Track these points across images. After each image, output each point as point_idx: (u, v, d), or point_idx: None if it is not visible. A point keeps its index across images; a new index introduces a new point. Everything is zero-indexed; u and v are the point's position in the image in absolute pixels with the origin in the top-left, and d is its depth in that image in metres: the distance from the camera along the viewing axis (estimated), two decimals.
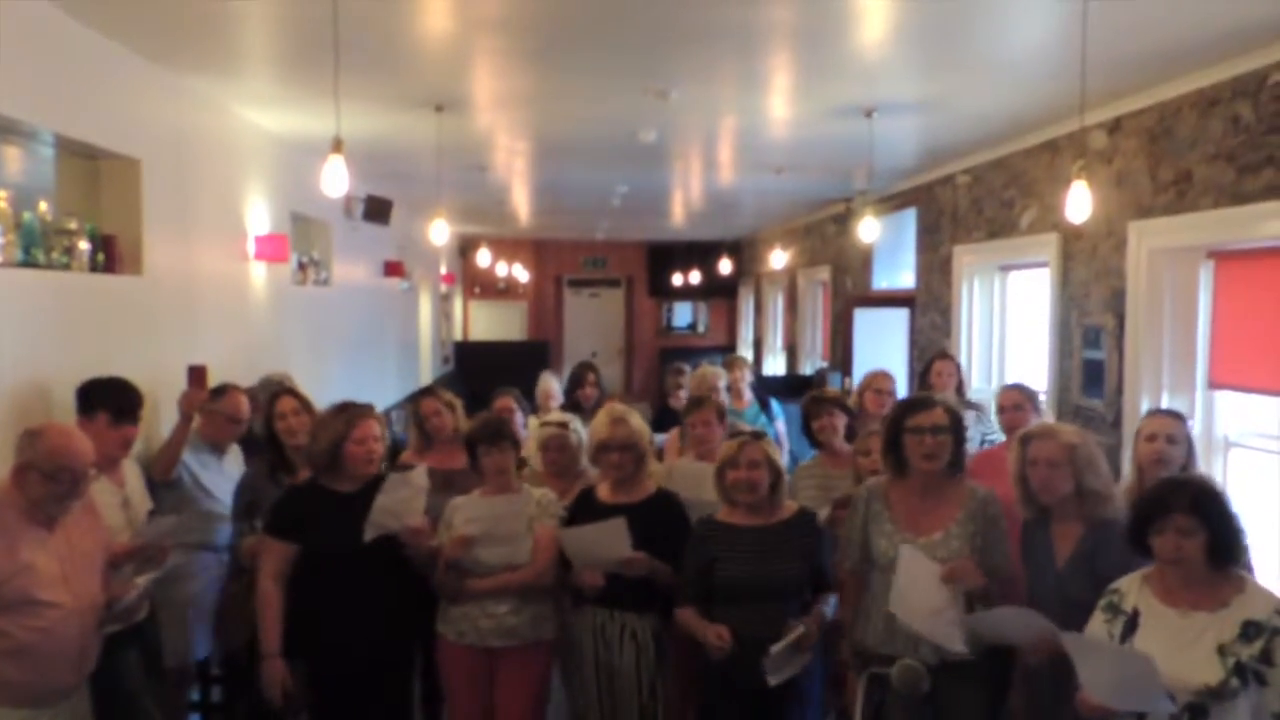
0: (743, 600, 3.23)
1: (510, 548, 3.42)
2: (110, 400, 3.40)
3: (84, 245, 3.84)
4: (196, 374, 4.09)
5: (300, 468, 3.75)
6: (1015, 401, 4.18)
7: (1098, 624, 2.69)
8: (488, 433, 3.55)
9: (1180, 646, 2.51)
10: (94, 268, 3.93)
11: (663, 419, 5.74)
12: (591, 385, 5.85)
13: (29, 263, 3.50)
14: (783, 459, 4.92)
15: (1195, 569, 2.55)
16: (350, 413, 3.47)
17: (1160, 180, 4.71)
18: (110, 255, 4.08)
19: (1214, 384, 4.63)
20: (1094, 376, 5.24)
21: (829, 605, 3.34)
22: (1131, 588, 2.67)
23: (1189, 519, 2.53)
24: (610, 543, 3.31)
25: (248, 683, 3.67)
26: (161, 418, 4.25)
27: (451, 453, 4.23)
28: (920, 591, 3.02)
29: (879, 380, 4.91)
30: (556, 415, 4.35)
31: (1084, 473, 3.05)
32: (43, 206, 3.69)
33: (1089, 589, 2.88)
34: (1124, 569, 2.77)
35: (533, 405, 5.86)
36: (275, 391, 4.06)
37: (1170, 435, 3.41)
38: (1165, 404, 4.71)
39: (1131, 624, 2.61)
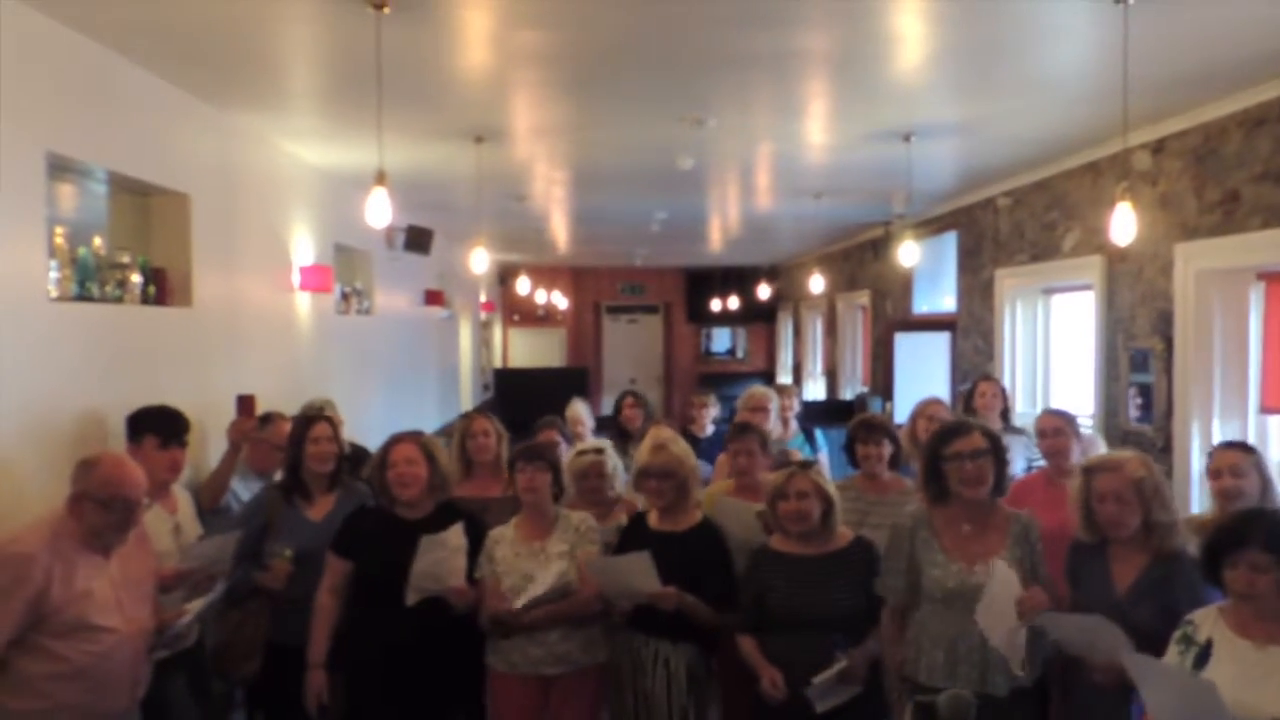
0: (793, 629, 3.21)
1: (552, 595, 3.41)
2: (156, 425, 3.46)
3: (136, 278, 3.94)
4: (245, 403, 4.14)
5: (317, 494, 3.73)
6: (1055, 427, 4.10)
7: (1172, 655, 2.64)
8: (526, 451, 3.60)
9: (1253, 679, 2.45)
10: (146, 300, 4.02)
11: None
12: (630, 407, 5.83)
13: (84, 296, 3.60)
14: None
15: (1267, 605, 2.49)
16: (388, 441, 3.56)
17: (1206, 201, 4.64)
18: (161, 288, 4.18)
19: (1266, 409, 4.52)
20: (1143, 401, 5.15)
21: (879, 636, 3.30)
22: (1207, 620, 2.62)
23: (1264, 555, 2.48)
24: (637, 576, 3.29)
25: (278, 706, 3.70)
26: (210, 446, 4.32)
27: (489, 481, 4.25)
28: (1002, 608, 2.97)
29: (931, 408, 4.83)
30: (591, 442, 4.35)
31: (1151, 505, 2.98)
32: (97, 242, 3.79)
33: (1155, 619, 2.82)
34: (1194, 602, 2.73)
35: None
36: (311, 416, 3.96)
37: (1234, 468, 3.33)
38: (1216, 429, 4.63)
39: (1204, 655, 2.56)
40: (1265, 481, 3.37)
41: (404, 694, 3.38)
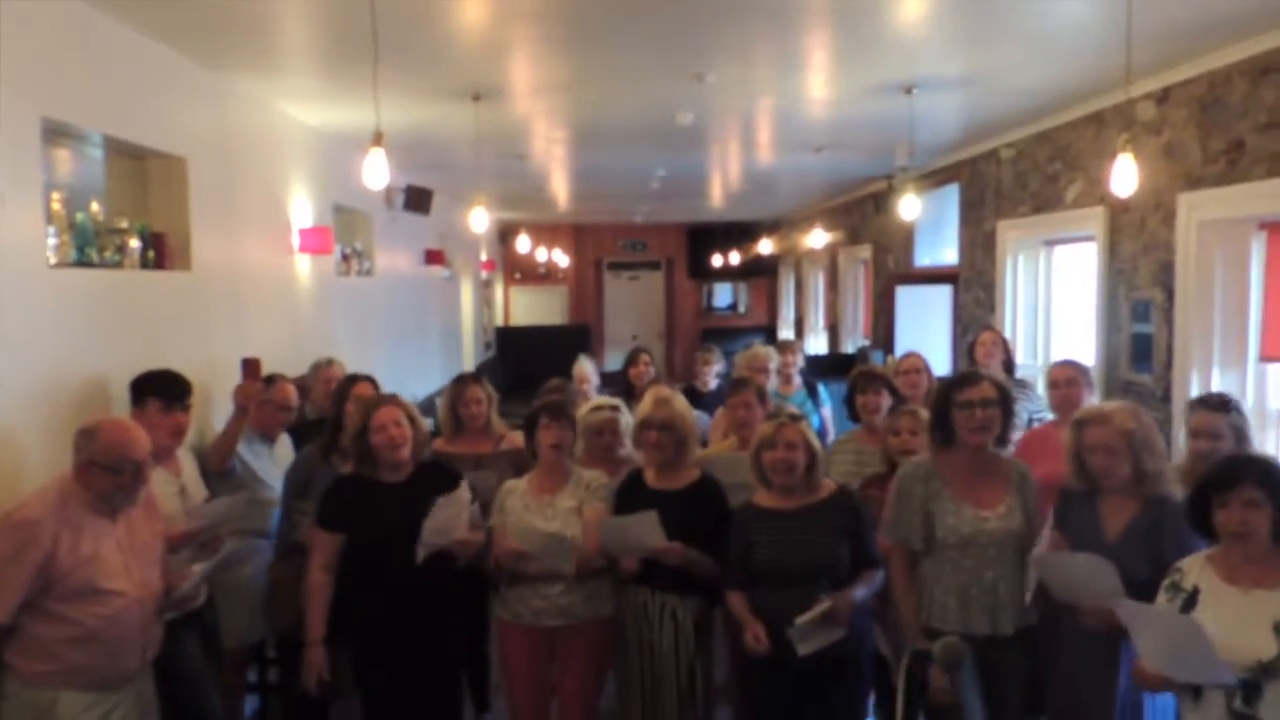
0: (781, 582, 3.25)
1: (553, 564, 3.44)
2: (158, 388, 3.47)
3: (135, 243, 3.92)
4: (251, 366, 4.16)
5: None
6: (1069, 377, 4.10)
7: (1160, 603, 2.68)
8: (551, 409, 3.63)
9: (1237, 623, 2.49)
10: (145, 265, 4.01)
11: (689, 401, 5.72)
12: (645, 364, 5.87)
13: (83, 262, 3.59)
14: (827, 445, 4.86)
15: (1259, 544, 2.54)
16: (365, 404, 3.54)
17: (1210, 150, 4.60)
18: (160, 252, 4.17)
19: (1266, 358, 4.53)
20: (1142, 351, 5.15)
21: (869, 583, 3.33)
22: (1194, 567, 2.67)
23: (1258, 491, 2.52)
24: (643, 533, 3.34)
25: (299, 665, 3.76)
26: (213, 409, 4.34)
27: (479, 439, 4.32)
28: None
29: (904, 362, 4.89)
30: (605, 399, 4.37)
31: (1141, 455, 3.02)
32: (94, 206, 3.77)
33: (1145, 565, 2.87)
34: (1182, 549, 2.77)
35: None
36: (354, 377, 4.08)
37: (1212, 431, 3.32)
38: (1216, 379, 4.64)
39: (1191, 602, 2.61)
40: (1243, 437, 3.33)
41: (410, 655, 3.41)
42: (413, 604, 3.38)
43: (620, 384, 5.92)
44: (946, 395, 3.26)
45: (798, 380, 5.74)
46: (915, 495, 3.25)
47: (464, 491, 3.45)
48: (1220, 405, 3.43)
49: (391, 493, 3.41)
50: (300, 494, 3.85)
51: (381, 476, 3.45)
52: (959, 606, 3.14)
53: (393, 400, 3.55)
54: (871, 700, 4.03)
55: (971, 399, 3.19)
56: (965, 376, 3.38)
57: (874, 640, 3.62)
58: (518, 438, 4.36)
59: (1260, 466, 2.59)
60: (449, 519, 3.36)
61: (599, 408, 4.05)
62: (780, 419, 3.42)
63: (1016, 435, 4.39)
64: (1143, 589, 2.77)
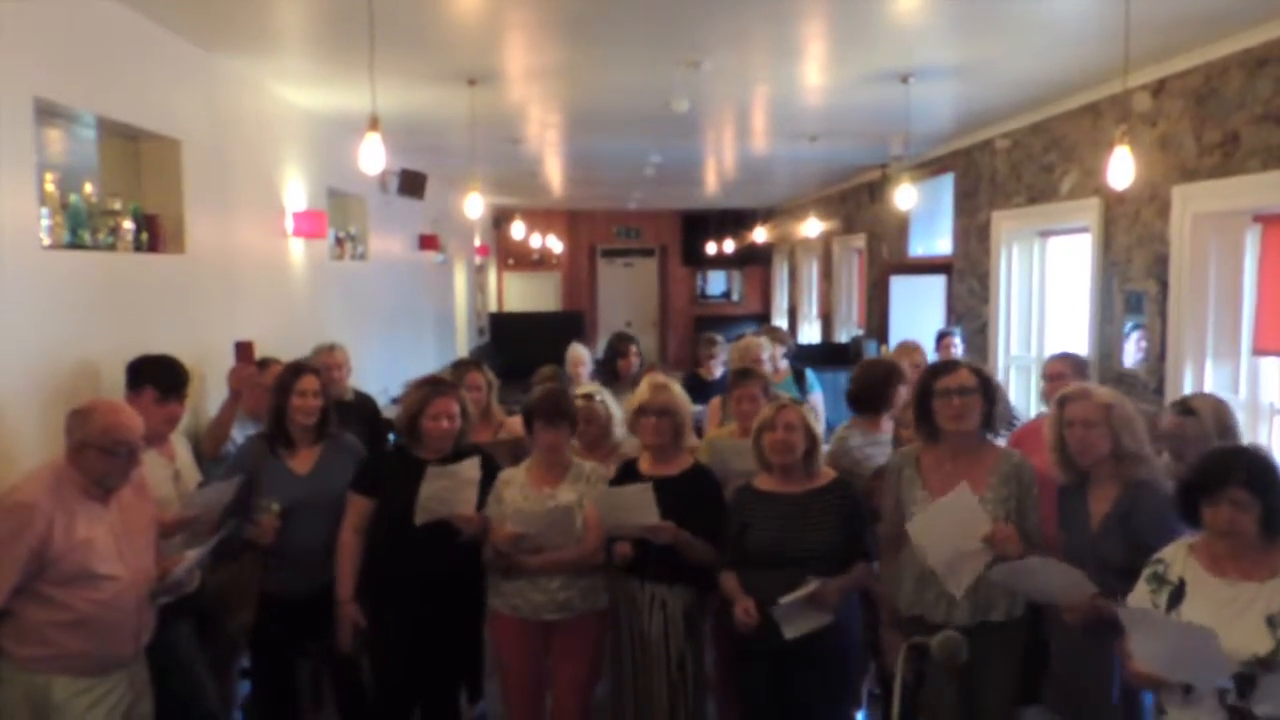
0: (771, 566, 3.26)
1: (559, 542, 3.45)
2: (157, 377, 3.45)
3: (128, 225, 3.91)
4: (244, 350, 4.13)
5: (302, 446, 3.71)
6: (1059, 371, 4.11)
7: (1142, 594, 2.65)
8: (546, 408, 3.56)
9: (1228, 617, 2.48)
10: (138, 247, 4.00)
11: (691, 389, 5.73)
12: (634, 355, 5.87)
13: (76, 244, 3.57)
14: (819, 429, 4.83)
15: (1247, 540, 2.52)
16: (428, 389, 3.60)
17: (1206, 143, 4.61)
18: (154, 235, 4.15)
19: (1259, 350, 4.55)
20: (1147, 345, 5.17)
21: (860, 574, 3.34)
22: (1177, 557, 2.64)
23: (1244, 493, 2.49)
24: (637, 507, 3.34)
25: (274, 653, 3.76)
26: (206, 393, 4.33)
27: (480, 427, 4.32)
28: (955, 529, 3.04)
29: (907, 354, 4.87)
30: (585, 387, 4.35)
31: (1120, 433, 3.04)
32: (88, 188, 3.75)
33: (1122, 551, 2.88)
34: (1158, 531, 2.77)
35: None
36: (299, 367, 3.88)
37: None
38: (1209, 371, 4.65)
39: (1178, 594, 2.58)
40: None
41: (421, 621, 3.49)
42: (429, 572, 3.46)
43: (606, 371, 5.88)
44: (926, 385, 3.28)
45: (784, 365, 5.75)
46: (894, 483, 3.31)
47: (466, 469, 3.46)
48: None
49: (424, 468, 3.46)
50: (249, 489, 3.61)
51: (419, 453, 3.56)
52: (916, 589, 3.18)
53: (453, 391, 3.63)
54: (867, 690, 4.06)
55: (949, 386, 3.20)
56: (943, 365, 3.39)
57: (863, 630, 3.63)
58: (516, 424, 4.36)
59: (1245, 466, 2.54)
60: (444, 489, 3.40)
61: (575, 396, 4.03)
62: (779, 401, 3.45)
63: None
64: (1123, 575, 2.76)
